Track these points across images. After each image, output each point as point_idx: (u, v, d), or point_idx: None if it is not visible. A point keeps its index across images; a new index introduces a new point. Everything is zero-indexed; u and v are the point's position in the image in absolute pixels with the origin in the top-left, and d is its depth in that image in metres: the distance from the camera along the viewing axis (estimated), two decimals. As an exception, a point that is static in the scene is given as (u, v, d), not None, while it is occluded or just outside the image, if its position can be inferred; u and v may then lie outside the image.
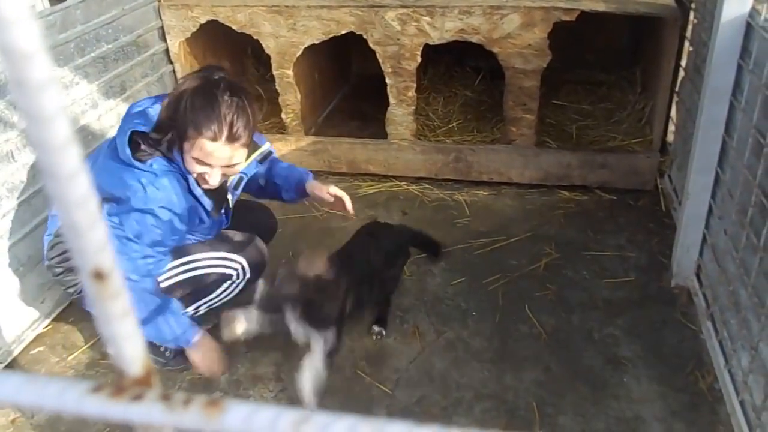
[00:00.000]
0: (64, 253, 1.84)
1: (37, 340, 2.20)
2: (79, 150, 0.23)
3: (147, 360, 0.27)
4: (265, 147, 2.00)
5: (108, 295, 0.24)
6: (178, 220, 1.78)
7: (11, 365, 2.11)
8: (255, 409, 0.24)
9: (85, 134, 2.43)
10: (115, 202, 1.71)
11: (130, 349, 0.25)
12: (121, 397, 0.24)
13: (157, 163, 1.72)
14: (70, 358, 2.14)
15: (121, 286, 0.25)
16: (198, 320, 2.01)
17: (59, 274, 1.89)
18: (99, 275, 0.24)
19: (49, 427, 1.88)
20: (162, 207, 1.73)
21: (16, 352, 2.13)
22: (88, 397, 0.24)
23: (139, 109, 1.79)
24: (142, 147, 1.72)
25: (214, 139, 1.68)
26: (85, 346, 2.18)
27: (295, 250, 2.53)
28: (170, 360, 2.04)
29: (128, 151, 1.70)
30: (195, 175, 1.77)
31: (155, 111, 1.78)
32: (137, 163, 1.70)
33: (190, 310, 1.89)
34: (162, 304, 1.79)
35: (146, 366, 0.26)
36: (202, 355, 1.89)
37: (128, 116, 1.79)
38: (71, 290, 1.93)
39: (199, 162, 1.72)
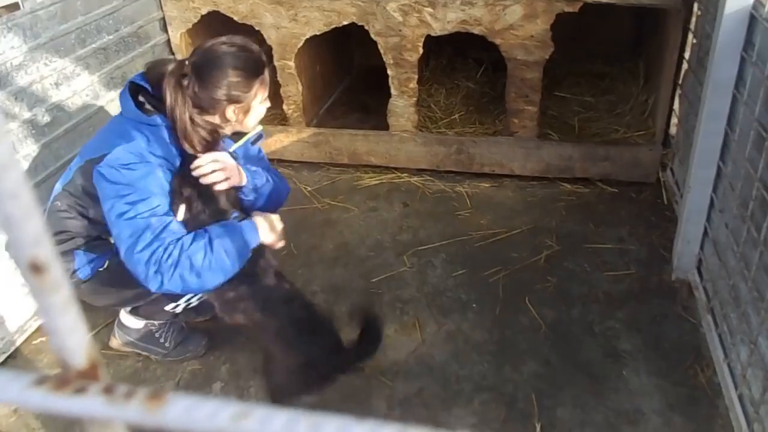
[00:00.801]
0: (57, 233, 1.82)
1: (40, 330, 2.21)
2: (10, 142, 0.22)
3: (92, 352, 0.27)
4: (257, 128, 1.98)
5: (47, 287, 0.24)
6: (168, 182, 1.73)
7: (14, 355, 2.12)
8: (196, 403, 0.24)
9: (86, 126, 2.43)
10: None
11: (73, 341, 0.25)
12: (64, 390, 0.24)
13: (160, 118, 1.72)
14: (71, 348, 2.15)
15: (61, 277, 0.25)
16: (190, 314, 2.00)
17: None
18: (36, 268, 0.24)
19: (51, 419, 1.89)
20: (161, 158, 1.69)
21: (18, 342, 2.15)
22: (30, 390, 0.24)
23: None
24: (146, 106, 1.73)
25: (263, 71, 1.76)
26: (88, 336, 2.19)
27: (296, 243, 2.54)
28: (171, 351, 2.05)
29: (131, 103, 1.70)
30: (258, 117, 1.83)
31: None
32: (141, 114, 1.71)
33: (182, 302, 1.88)
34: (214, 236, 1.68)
35: (91, 358, 0.26)
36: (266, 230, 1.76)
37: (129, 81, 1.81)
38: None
39: (263, 100, 1.81)
